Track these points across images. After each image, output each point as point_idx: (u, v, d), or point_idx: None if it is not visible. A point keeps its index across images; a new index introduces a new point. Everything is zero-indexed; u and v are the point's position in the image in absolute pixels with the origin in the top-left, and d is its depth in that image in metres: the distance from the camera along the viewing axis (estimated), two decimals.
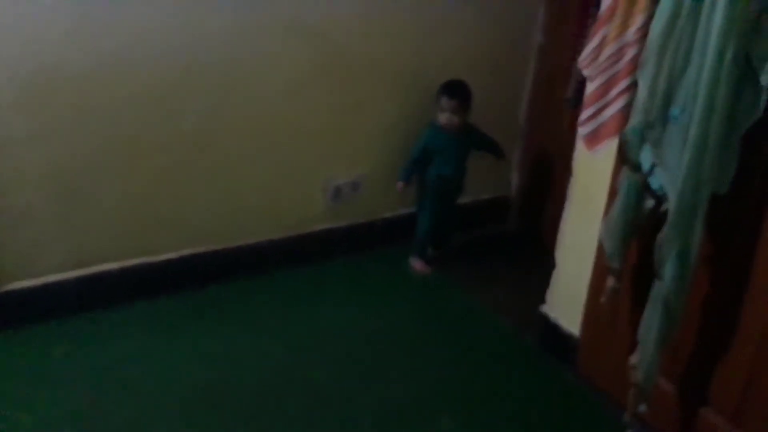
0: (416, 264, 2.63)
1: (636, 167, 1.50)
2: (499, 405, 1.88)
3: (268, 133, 2.33)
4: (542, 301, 2.13)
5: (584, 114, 1.61)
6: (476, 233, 2.90)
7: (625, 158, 1.52)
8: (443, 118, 2.43)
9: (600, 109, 1.58)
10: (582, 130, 1.62)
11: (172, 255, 2.30)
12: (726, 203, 1.37)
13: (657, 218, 1.55)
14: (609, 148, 1.67)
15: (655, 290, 1.46)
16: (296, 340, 2.13)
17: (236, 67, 2.19)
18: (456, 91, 2.44)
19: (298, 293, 2.39)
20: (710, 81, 1.23)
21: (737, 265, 1.48)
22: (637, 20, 1.44)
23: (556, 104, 2.53)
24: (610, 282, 1.70)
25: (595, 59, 1.60)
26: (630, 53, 1.48)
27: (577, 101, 2.28)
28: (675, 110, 1.34)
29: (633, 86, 1.49)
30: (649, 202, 1.55)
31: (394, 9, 2.38)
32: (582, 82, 2.23)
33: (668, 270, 1.40)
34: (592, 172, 1.87)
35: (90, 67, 1.95)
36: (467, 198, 2.76)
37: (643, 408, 1.58)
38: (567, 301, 2.01)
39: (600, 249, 1.81)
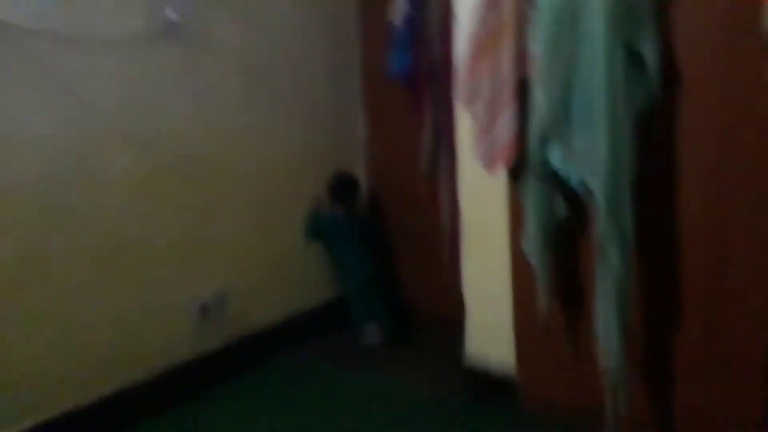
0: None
1: (542, 174, 1.56)
2: None
3: (112, 255, 1.97)
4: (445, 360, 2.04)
5: (476, 143, 1.67)
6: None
7: (530, 170, 1.58)
8: None
9: (491, 134, 1.64)
10: (481, 161, 1.67)
11: None
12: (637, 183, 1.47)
13: (573, 219, 1.64)
14: (500, 180, 1.76)
15: (603, 280, 1.48)
16: None
17: (62, 184, 1.85)
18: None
19: None
20: (606, 72, 1.37)
21: (662, 246, 1.57)
22: (509, 46, 1.58)
23: (395, 192, 2.75)
24: (543, 295, 1.69)
25: (473, 92, 1.68)
26: (508, 77, 1.59)
27: (431, 170, 2.43)
28: (576, 107, 1.45)
29: (516, 107, 1.60)
30: (560, 207, 1.62)
31: (227, 113, 2.31)
32: (435, 152, 2.40)
33: (613, 255, 1.44)
34: (479, 209, 1.92)
35: None
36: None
37: (623, 410, 1.54)
38: (490, 342, 1.95)
39: (515, 276, 1.82)
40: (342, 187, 2.67)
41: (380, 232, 2.84)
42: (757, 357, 1.49)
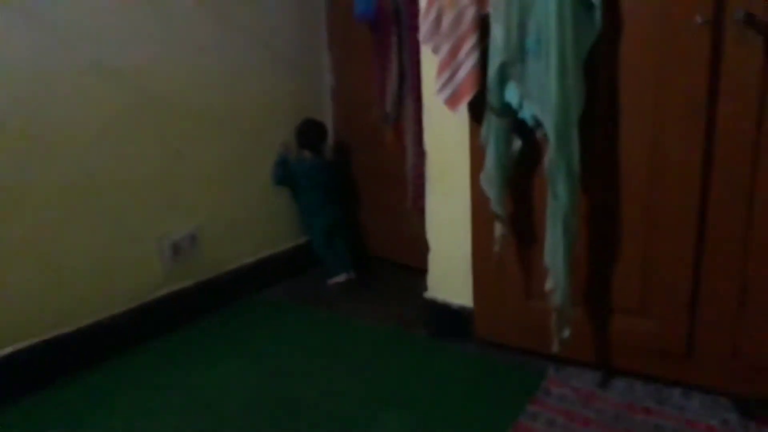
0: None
1: (501, 111, 1.64)
2: (414, 401, 1.77)
3: (86, 190, 2.02)
4: (407, 299, 2.14)
5: (440, 81, 1.73)
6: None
7: (489, 106, 1.66)
8: None
9: (454, 72, 1.70)
10: (442, 96, 1.73)
11: None
12: (582, 121, 1.56)
13: (527, 156, 1.73)
14: (462, 120, 1.83)
15: (552, 211, 1.59)
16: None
17: (36, 117, 1.88)
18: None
19: (155, 372, 2.02)
20: (557, 9, 1.43)
21: (605, 180, 1.67)
22: None
23: (361, 138, 2.82)
24: (498, 230, 1.80)
25: (436, 31, 1.74)
26: (469, 14, 1.65)
27: (397, 114, 2.48)
28: (529, 43, 1.52)
29: (477, 44, 1.66)
30: (517, 143, 1.71)
31: (195, 53, 2.32)
32: (399, 96, 2.45)
33: (560, 188, 1.54)
34: (443, 149, 1.99)
35: None
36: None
37: (566, 333, 1.67)
38: (451, 277, 2.06)
39: (475, 212, 1.91)
40: (310, 133, 2.73)
41: (346, 179, 2.91)
42: (682, 292, 1.61)
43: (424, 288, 2.16)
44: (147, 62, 2.16)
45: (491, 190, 1.74)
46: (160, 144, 2.23)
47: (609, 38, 1.56)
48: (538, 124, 1.57)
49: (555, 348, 1.69)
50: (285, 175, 2.67)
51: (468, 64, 1.68)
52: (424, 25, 1.77)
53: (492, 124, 1.68)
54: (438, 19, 1.72)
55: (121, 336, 2.13)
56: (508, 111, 1.64)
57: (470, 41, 1.67)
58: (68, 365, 1.97)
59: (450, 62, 1.71)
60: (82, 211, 2.01)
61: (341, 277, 2.68)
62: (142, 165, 2.18)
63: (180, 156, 2.30)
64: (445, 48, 1.71)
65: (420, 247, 2.16)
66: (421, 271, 2.17)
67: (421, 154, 2.16)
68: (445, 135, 1.96)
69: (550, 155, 1.54)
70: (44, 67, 1.88)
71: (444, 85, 1.73)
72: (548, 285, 1.64)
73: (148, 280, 2.23)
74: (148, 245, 2.23)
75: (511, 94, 1.60)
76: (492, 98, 1.64)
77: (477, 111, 1.77)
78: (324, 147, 2.80)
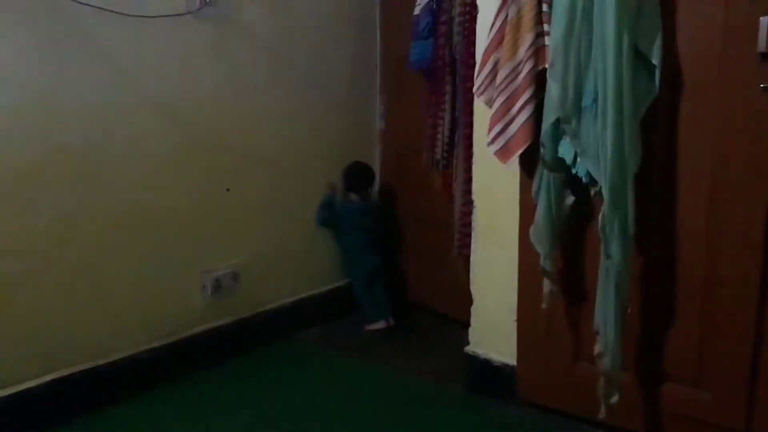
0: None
1: (554, 166, 1.62)
2: None
3: (136, 223, 2.07)
4: (446, 351, 2.10)
5: (491, 133, 1.72)
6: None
7: (542, 160, 1.63)
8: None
9: (506, 125, 1.69)
10: (493, 148, 1.72)
11: (29, 384, 1.82)
12: (638, 180, 1.52)
13: (578, 212, 1.69)
14: (512, 173, 1.82)
15: (604, 270, 1.54)
16: None
17: (99, 150, 1.95)
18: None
19: (192, 406, 2.01)
20: (615, 69, 1.42)
21: (661, 241, 1.62)
22: (527, 40, 1.63)
23: (408, 184, 2.82)
24: (547, 287, 1.75)
25: (490, 84, 1.74)
26: (525, 70, 1.64)
27: (447, 162, 2.48)
28: (586, 101, 1.50)
29: (532, 99, 1.65)
30: (570, 199, 1.67)
31: (250, 93, 2.39)
32: (450, 144, 2.45)
33: (613, 247, 1.50)
34: (492, 200, 1.97)
35: None
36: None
37: (615, 399, 1.59)
38: (494, 331, 2.01)
39: (522, 266, 1.87)
40: (359, 176, 2.75)
41: (390, 224, 2.90)
42: (742, 364, 1.53)
43: (466, 341, 2.10)
44: (203, 101, 2.23)
45: (541, 245, 1.70)
46: (208, 180, 2.28)
47: (668, 99, 1.53)
48: (593, 180, 1.54)
49: (602, 414, 1.61)
50: (330, 216, 2.68)
51: (521, 118, 1.67)
52: (480, 78, 1.77)
53: (544, 178, 1.66)
54: (494, 72, 1.73)
55: (158, 369, 2.13)
56: (561, 166, 1.61)
57: (525, 96, 1.66)
58: (103, 397, 1.98)
59: (503, 115, 1.70)
60: (131, 242, 2.05)
61: (380, 324, 2.64)
62: (191, 200, 2.22)
63: (228, 193, 2.34)
64: (499, 101, 1.70)
65: (461, 297, 2.11)
66: (462, 323, 2.12)
67: (469, 203, 2.14)
68: (495, 186, 1.94)
69: (603, 213, 1.50)
70: (109, 103, 1.95)
71: (495, 138, 1.72)
72: (597, 348, 1.58)
73: (187, 314, 2.25)
74: (191, 279, 2.26)
75: (565, 150, 1.58)
76: (545, 153, 1.62)
77: (529, 164, 1.75)
78: (370, 191, 2.81)
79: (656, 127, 1.56)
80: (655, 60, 1.44)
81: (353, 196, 2.74)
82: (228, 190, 2.34)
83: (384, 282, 2.74)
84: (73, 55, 1.85)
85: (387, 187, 2.95)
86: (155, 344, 2.14)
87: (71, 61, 1.85)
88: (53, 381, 1.87)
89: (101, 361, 1.99)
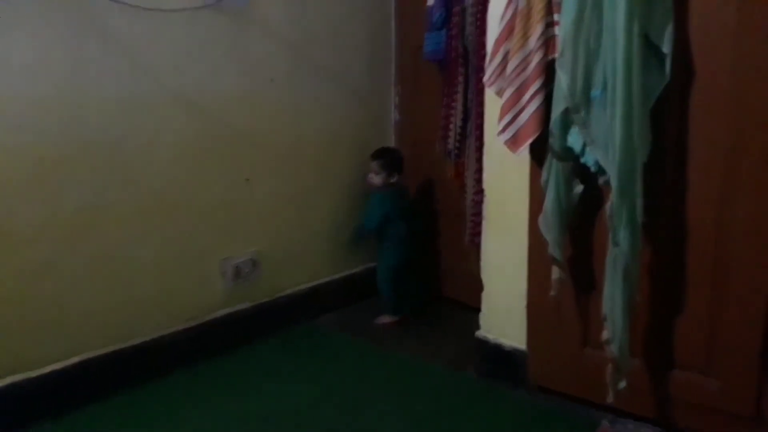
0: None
1: (563, 155, 1.64)
2: None
3: (158, 212, 2.13)
4: (458, 338, 2.12)
5: (502, 122, 1.74)
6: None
7: (551, 150, 1.65)
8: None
9: (516, 115, 1.71)
10: (503, 137, 1.74)
11: (55, 366, 1.90)
12: (648, 170, 1.53)
13: (587, 201, 1.70)
14: (522, 162, 1.84)
15: (612, 258, 1.55)
16: None
17: (121, 142, 2.01)
18: (377, 153, 2.66)
19: (212, 389, 2.08)
20: (625, 58, 1.43)
21: (671, 225, 1.63)
22: (537, 30, 1.64)
23: (423, 167, 2.82)
24: (556, 274, 1.77)
25: (501, 74, 1.76)
26: (535, 60, 1.66)
27: (459, 151, 2.50)
28: (595, 91, 1.51)
29: (542, 88, 1.67)
30: (578, 188, 1.69)
31: (267, 86, 2.43)
32: (462, 134, 2.47)
33: (622, 236, 1.51)
34: (502, 189, 2.00)
35: None
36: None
37: (622, 385, 1.61)
38: (504, 317, 2.04)
39: (531, 253, 1.89)
40: (397, 157, 2.68)
41: (423, 220, 2.84)
42: (752, 351, 1.54)
43: (477, 326, 2.14)
44: (221, 93, 2.28)
45: (549, 233, 1.72)
46: (228, 171, 2.33)
47: (679, 88, 1.54)
48: (601, 170, 1.55)
49: (610, 399, 1.64)
50: (382, 213, 2.61)
51: (531, 107, 1.69)
52: (490, 68, 1.79)
53: (553, 167, 1.68)
54: (504, 62, 1.74)
55: (179, 353, 2.20)
56: (570, 155, 1.63)
57: (535, 86, 1.67)
58: (126, 379, 2.05)
59: (513, 105, 1.72)
60: (153, 231, 2.11)
61: (391, 318, 2.65)
62: (211, 191, 2.28)
63: (247, 183, 2.39)
64: (510, 91, 1.72)
65: (474, 285, 2.14)
66: (477, 310, 2.15)
67: (480, 192, 2.17)
68: (505, 175, 1.97)
69: (612, 202, 1.51)
70: (130, 97, 2.01)
71: (506, 127, 1.74)
72: (605, 335, 1.60)
73: (208, 300, 2.31)
74: (211, 266, 2.32)
75: (574, 139, 1.59)
76: (554, 142, 1.63)
77: (539, 153, 1.77)
78: (401, 174, 2.73)
79: (668, 116, 1.57)
80: (666, 49, 1.44)
81: (398, 178, 2.67)
82: (247, 180, 2.39)
83: (417, 275, 2.74)
84: (93, 48, 1.90)
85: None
86: (176, 329, 2.21)
87: (92, 55, 1.90)
88: (78, 363, 1.94)
89: (123, 345, 2.06)
